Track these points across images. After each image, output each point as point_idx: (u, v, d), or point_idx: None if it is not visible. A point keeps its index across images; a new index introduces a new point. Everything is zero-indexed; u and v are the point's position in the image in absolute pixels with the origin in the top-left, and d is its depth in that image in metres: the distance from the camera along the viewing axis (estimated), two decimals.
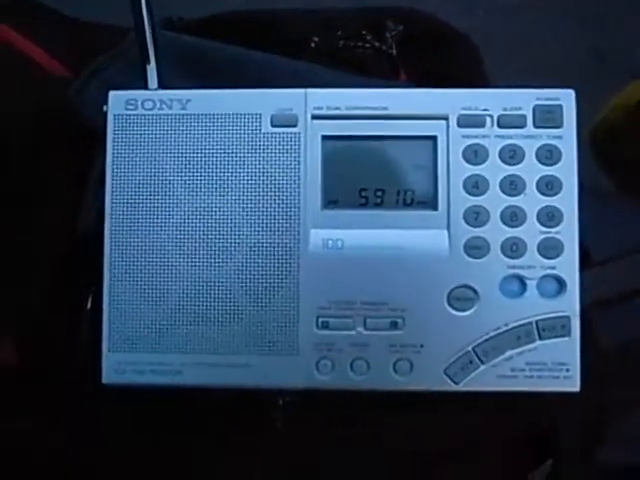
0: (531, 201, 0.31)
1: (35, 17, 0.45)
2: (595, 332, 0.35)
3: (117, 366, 0.31)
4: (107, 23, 0.47)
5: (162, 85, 0.33)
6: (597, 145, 0.56)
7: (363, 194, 0.32)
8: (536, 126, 0.31)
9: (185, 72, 0.38)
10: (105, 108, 0.32)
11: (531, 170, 0.31)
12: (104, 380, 0.31)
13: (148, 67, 0.33)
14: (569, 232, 0.31)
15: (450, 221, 0.31)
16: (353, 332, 0.31)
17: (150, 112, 0.32)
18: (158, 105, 0.32)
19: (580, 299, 0.31)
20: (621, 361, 0.36)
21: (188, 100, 0.32)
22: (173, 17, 0.47)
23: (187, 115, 0.32)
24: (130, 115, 0.32)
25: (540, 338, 0.31)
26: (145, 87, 0.33)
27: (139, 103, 0.32)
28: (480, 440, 0.36)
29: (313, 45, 0.46)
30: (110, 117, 0.32)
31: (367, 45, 0.46)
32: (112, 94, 0.32)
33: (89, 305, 0.34)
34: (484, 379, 0.31)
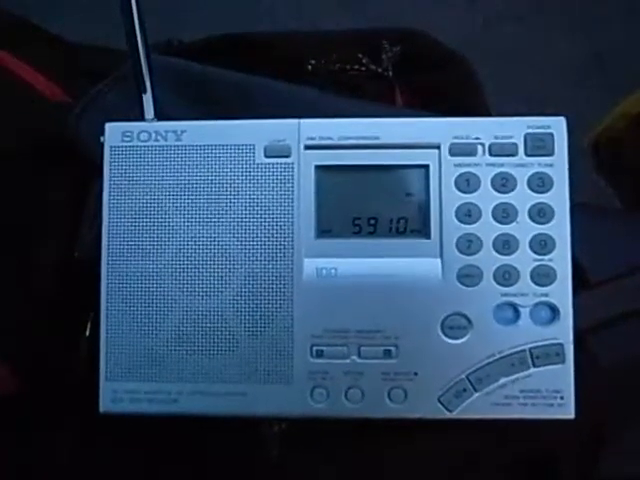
0: (523, 229, 0.31)
1: (33, 42, 0.46)
2: (592, 355, 0.35)
3: (114, 395, 0.32)
4: (106, 47, 0.47)
5: (159, 113, 0.34)
6: (598, 154, 0.56)
7: (356, 223, 0.32)
8: (527, 154, 0.31)
9: (184, 96, 0.39)
10: (102, 139, 0.33)
11: (523, 198, 0.31)
12: (101, 409, 0.32)
13: (144, 97, 0.34)
14: (562, 259, 0.31)
15: (443, 249, 0.31)
16: (347, 360, 0.31)
17: (146, 143, 0.32)
18: (154, 136, 0.32)
19: (575, 322, 0.31)
20: (619, 383, 0.36)
21: (183, 131, 0.32)
22: (172, 40, 0.48)
23: (182, 146, 0.32)
24: (126, 146, 0.32)
25: (534, 365, 0.31)
26: (141, 116, 0.34)
27: (135, 134, 0.32)
28: (478, 465, 0.36)
29: (310, 67, 0.46)
30: (107, 148, 0.32)
31: (363, 67, 0.47)
32: (108, 126, 0.32)
33: (87, 333, 0.34)
34: (478, 407, 0.31)
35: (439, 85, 0.47)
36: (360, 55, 0.47)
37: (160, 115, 0.34)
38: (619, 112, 0.53)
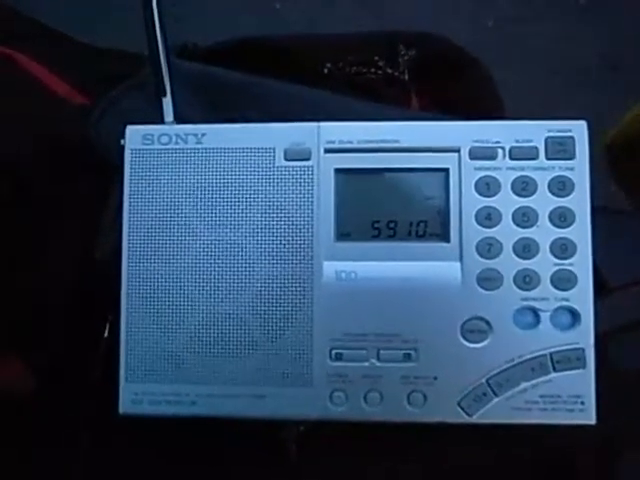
0: (544, 233, 0.31)
1: (53, 45, 0.46)
2: (613, 360, 0.34)
3: (134, 397, 0.32)
4: (125, 50, 0.48)
5: (178, 116, 0.34)
6: (613, 159, 0.55)
7: (376, 226, 0.32)
8: (548, 158, 0.31)
9: (200, 100, 0.39)
10: (122, 142, 0.33)
11: (543, 202, 0.31)
12: (121, 410, 0.32)
13: (164, 100, 0.34)
14: (583, 264, 0.31)
15: (463, 253, 0.31)
16: (366, 364, 0.31)
17: (166, 146, 0.32)
18: (174, 139, 0.33)
19: (596, 327, 0.31)
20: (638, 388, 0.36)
21: (203, 134, 0.32)
22: (188, 44, 0.48)
23: (202, 149, 0.32)
24: (147, 150, 0.32)
25: (554, 370, 0.31)
26: (161, 120, 0.34)
27: (155, 138, 0.33)
28: (496, 470, 0.36)
29: (326, 71, 0.47)
30: (127, 151, 0.33)
31: (379, 71, 0.47)
32: (129, 129, 0.33)
33: (106, 334, 0.34)
34: (498, 411, 0.31)
35: (455, 89, 0.47)
36: (376, 58, 0.47)
37: (177, 119, 0.34)
38: (632, 116, 0.52)
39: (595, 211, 0.32)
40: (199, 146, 0.32)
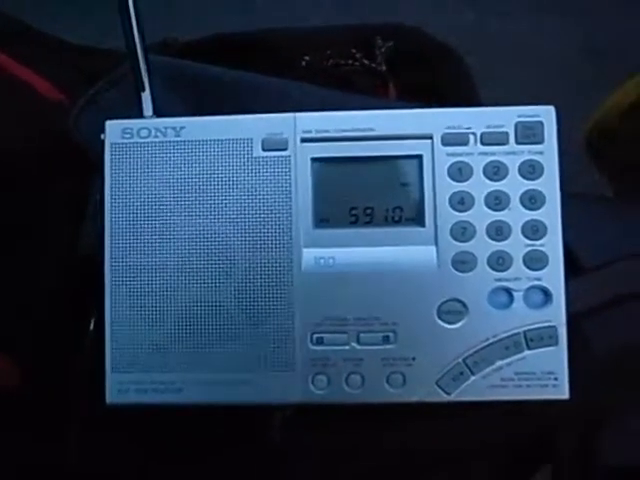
0: (515, 215, 0.32)
1: (31, 44, 0.47)
2: (585, 338, 0.36)
3: (120, 386, 0.32)
4: (104, 48, 0.48)
5: (157, 111, 0.35)
6: (592, 146, 0.56)
7: (353, 213, 0.33)
8: (518, 142, 0.32)
9: (179, 95, 0.39)
10: (102, 136, 0.33)
11: (514, 185, 0.32)
12: (108, 400, 0.32)
13: (143, 95, 0.35)
14: (553, 244, 0.32)
15: (438, 237, 0.32)
16: (347, 347, 0.32)
17: (146, 140, 0.33)
18: (153, 133, 0.33)
19: (568, 307, 0.32)
20: (614, 365, 0.37)
21: (182, 127, 0.33)
22: (168, 39, 0.49)
23: (181, 142, 0.33)
24: (126, 143, 0.33)
25: (528, 348, 0.32)
26: (140, 114, 0.34)
27: (135, 131, 0.33)
28: (479, 445, 0.37)
29: (304, 64, 0.47)
30: (107, 145, 0.33)
31: (356, 62, 0.47)
32: (108, 124, 0.33)
33: (91, 327, 0.35)
34: (475, 389, 0.31)
35: (432, 79, 0.48)
36: (354, 50, 0.48)
37: (157, 114, 0.35)
38: (611, 103, 0.54)
39: (569, 197, 0.33)
40: (178, 139, 0.33)
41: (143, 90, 0.35)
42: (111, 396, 0.32)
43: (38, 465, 0.36)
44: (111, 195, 0.33)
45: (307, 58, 0.47)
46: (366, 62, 0.47)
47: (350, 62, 0.48)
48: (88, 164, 0.35)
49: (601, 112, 0.55)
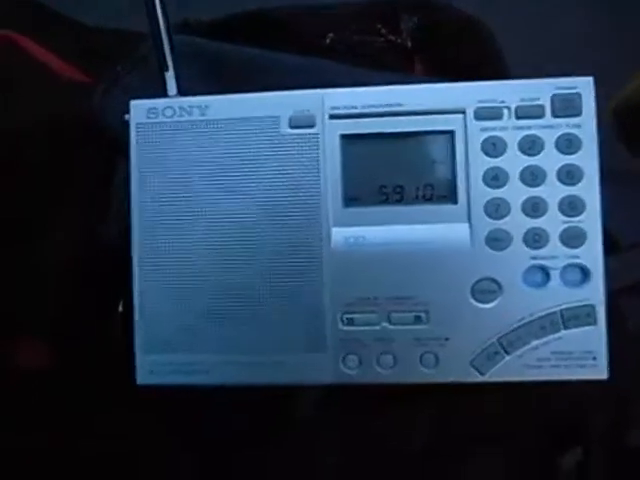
0: (552, 191, 0.31)
1: (51, 25, 0.47)
2: (622, 317, 0.35)
3: (150, 367, 0.32)
4: (125, 29, 0.48)
5: (181, 91, 0.34)
6: (620, 124, 0.55)
7: (383, 191, 0.32)
8: (554, 115, 0.31)
9: (202, 75, 0.39)
10: (127, 117, 0.33)
11: (551, 160, 0.31)
12: (138, 381, 0.32)
13: (167, 74, 0.34)
14: (592, 220, 0.31)
15: (471, 214, 0.31)
16: (378, 327, 0.31)
17: (171, 119, 0.33)
18: (178, 112, 0.33)
19: (606, 286, 0.31)
20: None
21: (207, 106, 0.32)
22: (190, 19, 0.48)
23: (207, 121, 0.32)
24: (151, 123, 0.33)
25: (565, 327, 0.31)
26: (164, 94, 0.34)
27: (160, 111, 0.33)
28: (509, 426, 0.36)
29: (328, 41, 0.46)
30: (132, 126, 0.33)
31: (381, 39, 0.46)
32: (133, 103, 0.33)
33: (120, 309, 0.35)
34: (510, 369, 0.31)
35: (459, 55, 0.47)
36: (379, 26, 0.47)
37: (181, 93, 0.34)
38: (637, 80, 0.52)
39: (605, 173, 0.32)
40: (203, 118, 0.32)
41: (167, 70, 0.34)
42: (141, 377, 0.32)
43: (67, 446, 0.37)
44: (137, 175, 0.33)
45: (331, 35, 0.46)
46: (392, 38, 0.46)
47: (375, 38, 0.47)
48: (113, 144, 0.35)
49: (629, 88, 0.53)
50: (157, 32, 0.34)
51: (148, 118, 0.33)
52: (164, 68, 0.34)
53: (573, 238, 0.31)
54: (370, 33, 0.46)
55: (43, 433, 0.37)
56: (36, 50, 0.42)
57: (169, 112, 0.33)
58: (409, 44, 0.46)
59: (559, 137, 0.31)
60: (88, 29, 0.48)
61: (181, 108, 0.33)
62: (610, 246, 0.33)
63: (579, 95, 0.31)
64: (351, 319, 0.31)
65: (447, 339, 0.31)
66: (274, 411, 0.35)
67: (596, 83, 0.32)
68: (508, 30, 0.50)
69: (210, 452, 0.36)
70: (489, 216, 0.31)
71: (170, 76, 0.34)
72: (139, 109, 0.33)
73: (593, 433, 0.37)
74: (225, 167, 0.32)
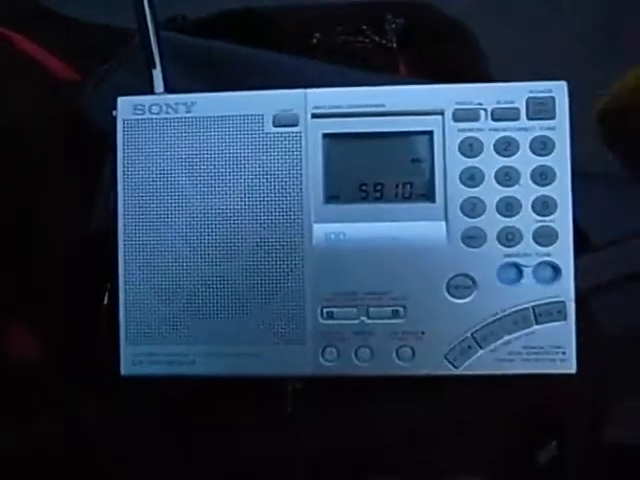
0: (526, 191, 0.32)
1: (44, 22, 0.47)
2: (593, 315, 0.36)
3: (134, 358, 0.33)
4: (115, 25, 0.48)
5: (168, 88, 0.35)
6: (606, 127, 0.56)
7: (363, 188, 0.33)
8: (529, 118, 0.32)
9: (191, 73, 0.39)
10: (114, 113, 0.34)
11: (525, 161, 0.32)
12: (123, 372, 0.33)
13: (154, 71, 0.35)
14: (563, 220, 0.32)
15: (447, 212, 0.32)
16: (357, 321, 0.32)
17: (157, 116, 0.33)
18: (164, 109, 0.33)
19: (577, 283, 0.32)
20: (622, 342, 0.37)
21: (193, 103, 0.33)
22: (177, 16, 0.49)
23: (192, 118, 0.33)
24: (138, 119, 0.33)
25: (537, 323, 0.32)
26: (152, 91, 0.35)
27: (146, 108, 0.33)
28: (486, 420, 0.38)
29: (315, 41, 0.47)
30: (119, 122, 0.33)
31: (367, 40, 0.47)
32: (120, 100, 0.33)
33: (106, 301, 0.35)
34: (483, 363, 0.32)
35: (442, 56, 0.48)
36: (364, 27, 0.47)
37: (168, 90, 0.35)
38: (624, 82, 0.53)
39: (579, 175, 0.33)
40: (189, 115, 0.33)
41: (154, 67, 0.35)
42: (126, 368, 0.33)
43: (54, 436, 0.37)
44: (123, 170, 0.33)
45: (318, 35, 0.47)
46: (377, 39, 0.47)
47: (361, 39, 0.47)
48: (101, 140, 0.35)
49: (614, 91, 0.54)
50: (144, 30, 0.34)
51: (135, 114, 0.34)
52: (151, 65, 0.35)
53: (545, 237, 0.32)
54: (355, 34, 0.47)
55: (28, 424, 0.37)
56: (27, 46, 0.43)
57: (155, 109, 0.34)
58: (394, 45, 0.47)
59: (533, 139, 0.32)
60: (78, 25, 0.48)
61: (167, 105, 0.33)
62: (582, 246, 0.35)
63: (553, 99, 0.32)
64: (331, 313, 0.32)
65: (423, 333, 0.32)
66: (256, 402, 0.36)
67: (574, 88, 0.33)
68: (491, 32, 0.51)
69: (192, 440, 0.37)
70: (465, 214, 0.32)
71: (157, 73, 0.35)
72: (126, 105, 0.34)
73: (569, 429, 0.38)
74: (210, 163, 0.33)
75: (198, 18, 0.47)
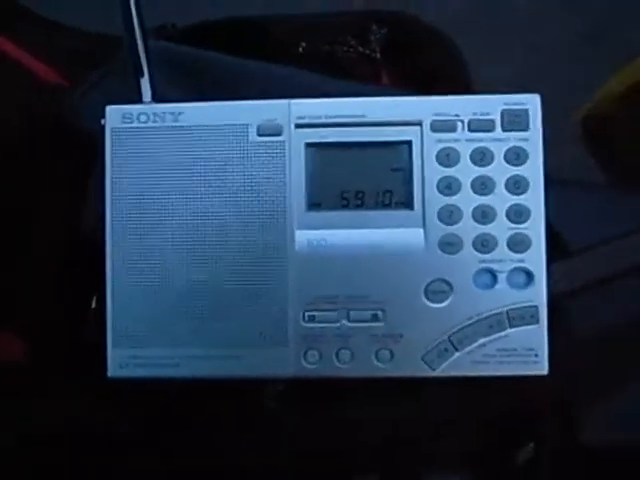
0: (500, 200, 0.33)
1: (30, 27, 0.47)
2: (569, 319, 0.37)
3: (121, 360, 0.34)
4: (103, 32, 0.49)
5: (156, 96, 0.36)
6: (589, 131, 0.57)
7: (345, 196, 0.34)
8: (504, 129, 0.33)
9: (179, 80, 0.40)
10: (103, 121, 0.35)
11: (500, 171, 0.33)
12: (109, 374, 0.34)
13: (142, 80, 0.36)
14: (536, 227, 0.33)
15: (425, 220, 0.33)
16: (338, 324, 0.33)
17: (145, 125, 0.34)
18: (152, 118, 0.34)
19: (552, 287, 0.34)
20: (596, 345, 0.38)
21: (180, 112, 0.34)
22: (166, 25, 0.49)
23: (179, 127, 0.34)
24: (126, 128, 0.34)
25: (510, 326, 0.33)
26: (140, 99, 0.35)
27: (134, 116, 0.34)
28: (465, 421, 0.39)
29: (301, 50, 0.48)
30: (107, 130, 0.34)
31: (351, 49, 0.48)
32: (109, 109, 0.34)
33: (93, 304, 0.36)
34: (459, 365, 0.33)
35: (426, 66, 0.49)
36: (349, 38, 0.49)
37: (156, 99, 0.36)
38: (606, 90, 0.54)
39: (556, 182, 0.34)
40: (176, 124, 0.34)
41: (142, 76, 0.36)
42: (112, 370, 0.34)
43: (40, 437, 0.38)
44: (111, 178, 0.34)
45: (303, 44, 0.48)
46: (361, 49, 0.48)
47: (345, 49, 0.49)
48: (89, 147, 0.36)
49: (595, 100, 0.55)
50: (132, 38, 0.35)
51: (123, 123, 0.34)
52: (139, 74, 0.36)
53: (519, 244, 0.33)
54: (340, 44, 0.48)
55: (16, 426, 0.38)
56: (15, 52, 0.43)
57: (143, 117, 0.34)
58: (378, 55, 0.49)
59: (508, 150, 0.33)
60: (67, 31, 0.49)
61: (155, 114, 0.34)
62: (558, 252, 0.36)
63: (527, 111, 0.33)
64: (312, 316, 0.33)
65: (401, 336, 0.33)
66: (239, 404, 0.37)
67: (553, 98, 0.34)
68: (473, 43, 0.52)
69: (177, 439, 0.38)
70: (442, 222, 0.33)
71: (145, 82, 0.36)
72: (114, 114, 0.34)
73: (544, 431, 0.39)
74: (196, 171, 0.34)
75: (187, 27, 0.48)
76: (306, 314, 0.33)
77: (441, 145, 0.33)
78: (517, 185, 0.33)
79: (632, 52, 0.53)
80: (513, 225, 0.33)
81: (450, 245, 0.33)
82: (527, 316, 0.33)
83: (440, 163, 0.33)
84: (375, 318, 0.33)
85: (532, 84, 0.36)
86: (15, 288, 0.38)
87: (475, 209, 0.33)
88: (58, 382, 0.37)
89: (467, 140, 0.33)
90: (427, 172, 0.33)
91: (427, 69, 0.49)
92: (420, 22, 0.51)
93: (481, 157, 0.33)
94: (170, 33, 0.48)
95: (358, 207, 0.34)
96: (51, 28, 0.48)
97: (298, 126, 0.34)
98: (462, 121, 0.33)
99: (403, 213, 0.34)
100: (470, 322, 0.33)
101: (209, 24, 0.49)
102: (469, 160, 0.33)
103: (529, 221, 0.33)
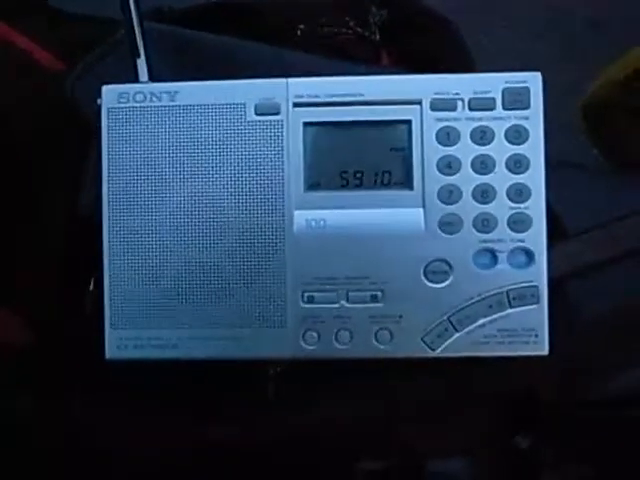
0: (501, 179, 0.33)
1: (29, 12, 0.47)
2: (569, 300, 0.37)
3: (119, 342, 0.34)
4: (99, 15, 0.48)
5: (153, 77, 0.35)
6: (589, 118, 0.57)
7: (343, 176, 0.34)
8: (505, 108, 0.33)
9: (176, 63, 0.40)
10: (99, 101, 0.34)
11: (500, 150, 0.33)
12: (107, 356, 0.34)
13: (138, 61, 0.35)
14: (537, 207, 0.33)
15: (425, 200, 0.33)
16: (337, 305, 0.33)
17: (141, 104, 0.34)
18: (148, 97, 0.34)
19: (553, 269, 0.33)
20: (597, 326, 0.38)
21: (176, 92, 0.34)
22: (163, 7, 0.49)
23: (176, 106, 0.34)
24: (122, 108, 0.34)
25: (511, 306, 0.33)
26: (136, 80, 0.35)
27: (130, 96, 0.34)
28: (466, 402, 0.39)
29: (299, 32, 0.48)
30: (104, 110, 0.34)
31: (350, 31, 0.48)
32: (105, 88, 0.34)
33: (92, 286, 0.36)
34: (459, 345, 0.33)
35: (425, 48, 0.49)
36: (348, 19, 0.48)
37: (153, 80, 0.35)
38: (606, 77, 0.54)
39: (557, 165, 0.34)
40: (173, 103, 0.34)
41: (138, 56, 0.35)
42: (110, 352, 0.34)
43: (40, 419, 0.38)
44: (108, 158, 0.34)
45: (302, 27, 0.47)
46: (360, 31, 0.48)
47: (344, 31, 0.48)
48: (85, 130, 0.36)
49: (596, 85, 0.55)
50: (129, 19, 0.35)
51: (119, 103, 0.34)
52: (136, 54, 0.35)
53: (519, 223, 0.33)
54: (340, 26, 0.48)
55: (16, 407, 0.38)
56: (14, 36, 0.43)
57: (140, 97, 0.34)
58: (377, 37, 0.48)
59: (508, 128, 0.33)
60: (63, 15, 0.48)
61: (151, 93, 0.34)
62: (558, 233, 0.36)
63: (528, 89, 0.33)
64: (311, 297, 0.33)
65: (401, 317, 0.33)
66: (238, 385, 0.37)
67: (544, 78, 0.34)
68: (473, 24, 0.52)
69: (177, 423, 0.38)
70: (442, 201, 0.33)
71: (142, 62, 0.35)
72: (110, 94, 0.34)
73: (544, 411, 0.39)
74: (193, 151, 0.33)
75: (184, 8, 0.48)
76: (305, 295, 0.33)
77: (441, 124, 0.33)
78: (518, 164, 0.33)
79: (634, 39, 0.53)
80: (513, 204, 0.33)
81: (450, 225, 0.33)
82: (527, 296, 0.33)
83: (440, 142, 0.33)
84: (374, 299, 0.33)
85: (532, 65, 0.35)
86: (13, 272, 0.38)
87: (475, 188, 0.33)
88: (57, 364, 0.37)
89: (467, 119, 0.33)
90: (427, 151, 0.33)
91: (427, 51, 0.48)
92: (420, 3, 0.51)
93: (481, 136, 0.33)
94: (168, 15, 0.48)
95: (357, 187, 0.34)
96: (50, 12, 0.48)
97: (296, 105, 0.33)
98: (462, 100, 0.33)
99: (403, 193, 0.33)
100: (470, 302, 0.33)
101: (206, 6, 0.49)
102: (469, 139, 0.33)
103: (529, 200, 0.33)
